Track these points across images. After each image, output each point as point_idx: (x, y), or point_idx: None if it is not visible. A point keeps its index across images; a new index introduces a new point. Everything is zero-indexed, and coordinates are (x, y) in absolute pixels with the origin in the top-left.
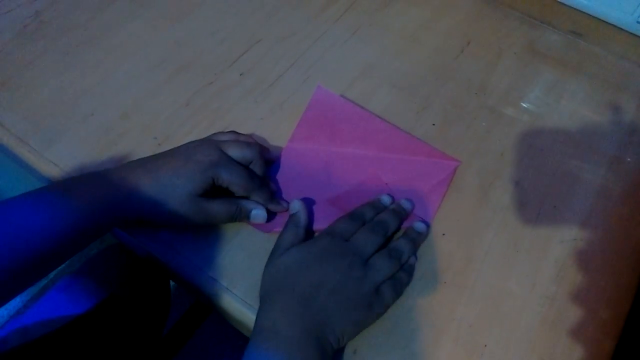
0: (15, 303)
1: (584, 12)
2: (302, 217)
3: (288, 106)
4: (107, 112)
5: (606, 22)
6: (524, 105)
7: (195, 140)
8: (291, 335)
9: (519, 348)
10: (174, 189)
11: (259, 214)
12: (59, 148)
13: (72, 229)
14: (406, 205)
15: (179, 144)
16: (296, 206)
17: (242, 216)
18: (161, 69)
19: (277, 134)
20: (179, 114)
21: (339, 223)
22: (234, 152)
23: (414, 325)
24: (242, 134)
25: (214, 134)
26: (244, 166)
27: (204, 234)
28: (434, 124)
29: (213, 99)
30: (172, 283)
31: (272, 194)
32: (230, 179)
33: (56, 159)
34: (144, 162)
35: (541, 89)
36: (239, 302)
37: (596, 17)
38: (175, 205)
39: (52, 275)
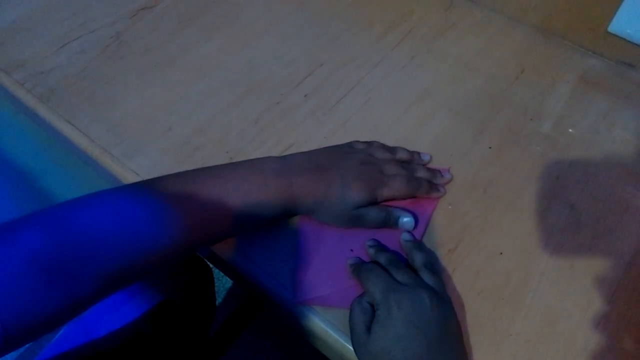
0: None
1: (635, 44)
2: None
3: (350, 126)
4: (183, 127)
5: None
6: (577, 131)
7: (356, 154)
8: None
9: None
10: (343, 201)
11: (407, 221)
12: (140, 159)
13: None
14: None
15: (250, 158)
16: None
17: (391, 223)
18: (232, 89)
19: None
20: (249, 131)
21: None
22: (395, 185)
23: (474, 340)
24: (391, 147)
25: (369, 148)
26: (405, 169)
27: (272, 239)
28: (490, 147)
29: (280, 117)
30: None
31: (431, 186)
32: (392, 194)
33: (138, 168)
34: (317, 169)
35: (594, 116)
36: (311, 311)
37: None
38: (339, 212)
39: None
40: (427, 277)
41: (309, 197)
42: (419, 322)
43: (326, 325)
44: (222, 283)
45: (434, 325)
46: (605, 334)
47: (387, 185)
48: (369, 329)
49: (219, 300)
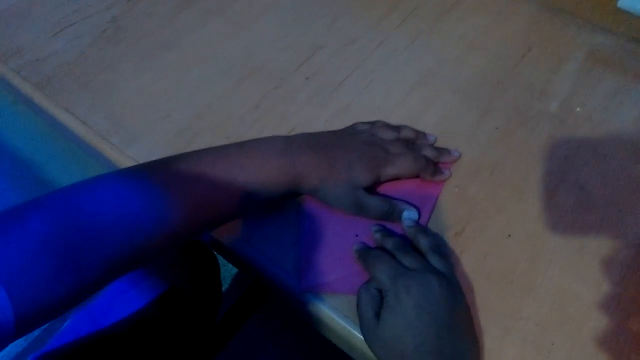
0: None
1: None
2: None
3: (352, 109)
4: (182, 113)
5: None
6: (586, 111)
7: (360, 134)
8: None
9: (586, 347)
10: (346, 180)
11: (410, 216)
12: (139, 146)
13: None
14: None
15: None
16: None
17: (395, 216)
18: (232, 73)
19: None
20: (250, 116)
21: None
22: (400, 163)
23: (484, 323)
24: (396, 126)
25: (373, 128)
26: (410, 149)
27: (276, 226)
28: (497, 128)
29: (281, 101)
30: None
31: (436, 169)
32: (396, 173)
33: (137, 156)
34: (320, 149)
35: (603, 95)
36: (317, 298)
37: None
38: (342, 193)
39: None
40: (435, 260)
41: (312, 176)
42: (429, 308)
43: (332, 312)
44: (228, 269)
45: (444, 310)
46: (616, 316)
47: (391, 164)
48: (378, 315)
49: (225, 287)
